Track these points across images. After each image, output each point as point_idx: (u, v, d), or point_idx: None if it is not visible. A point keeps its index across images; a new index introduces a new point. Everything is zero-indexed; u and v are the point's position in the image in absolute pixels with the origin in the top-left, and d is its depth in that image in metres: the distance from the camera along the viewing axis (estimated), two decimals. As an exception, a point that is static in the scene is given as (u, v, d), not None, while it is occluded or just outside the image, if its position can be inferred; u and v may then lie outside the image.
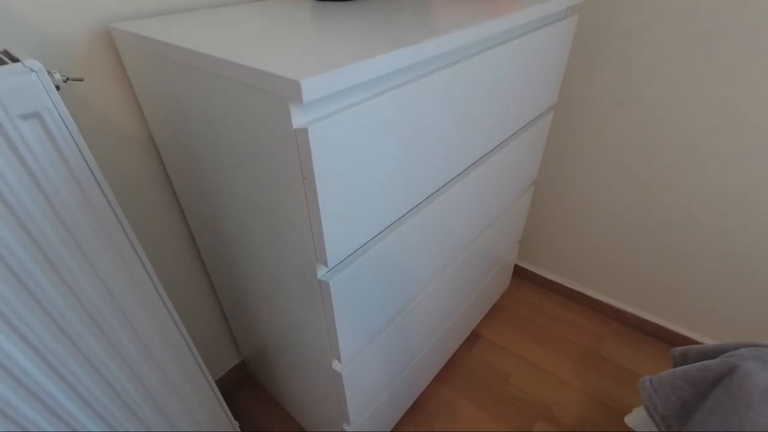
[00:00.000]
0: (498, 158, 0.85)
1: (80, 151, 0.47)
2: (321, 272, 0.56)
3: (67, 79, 0.46)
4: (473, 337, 1.31)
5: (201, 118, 0.56)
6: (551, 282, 1.43)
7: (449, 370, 1.21)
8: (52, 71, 0.45)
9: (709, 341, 1.20)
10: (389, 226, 0.62)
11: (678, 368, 0.79)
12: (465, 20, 0.59)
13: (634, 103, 1.03)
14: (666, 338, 1.27)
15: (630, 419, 0.93)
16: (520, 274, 1.52)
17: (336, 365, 0.68)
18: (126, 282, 0.57)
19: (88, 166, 0.48)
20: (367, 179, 0.52)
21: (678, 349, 0.87)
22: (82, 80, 0.48)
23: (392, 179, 0.57)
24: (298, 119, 0.43)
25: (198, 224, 0.83)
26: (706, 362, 0.75)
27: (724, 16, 0.84)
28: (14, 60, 0.43)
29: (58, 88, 0.46)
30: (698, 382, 0.75)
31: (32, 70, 0.41)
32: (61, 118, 0.44)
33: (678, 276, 1.17)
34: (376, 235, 0.61)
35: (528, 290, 1.47)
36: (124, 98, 0.69)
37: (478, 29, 0.58)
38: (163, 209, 0.83)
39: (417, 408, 1.12)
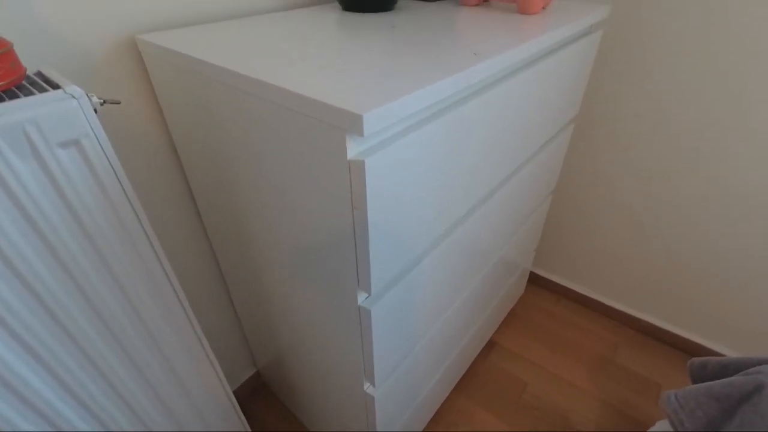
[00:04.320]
0: (523, 173, 0.83)
1: (118, 178, 0.44)
2: (361, 298, 0.55)
3: (104, 102, 0.43)
4: (489, 345, 1.30)
5: (238, 138, 0.54)
6: (565, 288, 1.43)
7: (466, 380, 1.20)
8: (89, 94, 0.43)
9: (724, 350, 1.20)
10: (426, 249, 0.61)
11: (701, 384, 0.78)
12: (501, 40, 0.57)
13: (652, 115, 1.01)
14: (680, 346, 1.27)
15: (655, 434, 0.93)
16: (533, 280, 1.51)
17: (368, 388, 0.67)
18: (157, 306, 0.55)
19: (125, 194, 0.46)
20: (410, 205, 0.50)
21: (696, 360, 0.87)
22: (119, 103, 0.46)
23: (432, 204, 0.55)
24: (352, 150, 0.41)
25: (221, 241, 0.81)
26: (730, 379, 0.75)
27: (744, 32, 0.82)
28: (52, 84, 0.41)
29: (95, 111, 0.44)
30: (723, 398, 0.75)
31: (74, 96, 0.39)
32: (100, 144, 0.42)
33: (693, 285, 1.17)
34: (415, 259, 0.59)
35: (542, 296, 1.46)
36: (150, 113, 0.66)
37: (519, 51, 0.56)
38: (185, 224, 0.81)
39: (436, 419, 1.11)
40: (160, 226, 0.77)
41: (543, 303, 1.43)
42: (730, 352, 1.19)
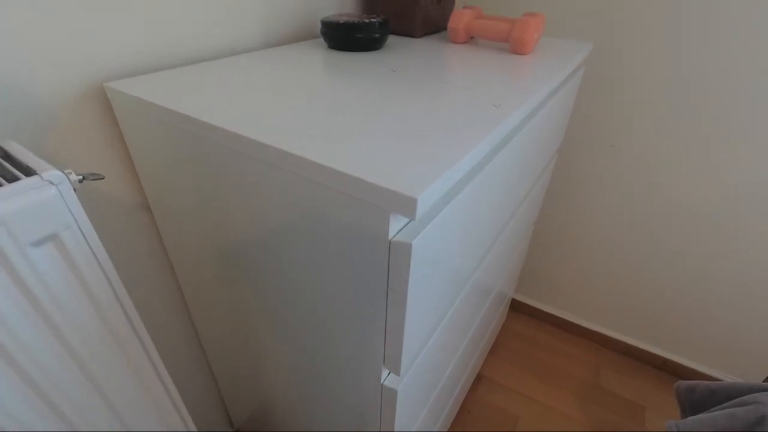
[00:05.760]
0: (520, 210, 0.82)
1: (104, 272, 0.36)
2: (384, 376, 0.49)
3: (84, 178, 0.36)
4: (476, 378, 1.27)
5: (238, 205, 0.47)
6: (545, 313, 1.45)
7: (458, 417, 1.17)
8: (66, 172, 0.35)
9: (705, 370, 1.25)
10: (446, 310, 0.57)
11: (704, 415, 0.80)
12: (514, 87, 0.56)
13: (627, 146, 1.06)
14: (661, 366, 1.32)
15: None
16: (514, 306, 1.52)
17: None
18: (149, 414, 0.46)
19: (113, 289, 0.38)
20: (444, 274, 0.47)
21: (683, 384, 0.89)
22: (102, 178, 0.38)
23: (459, 266, 0.51)
24: (393, 229, 0.36)
25: (203, 312, 0.72)
26: (732, 410, 0.77)
27: (720, 66, 0.89)
28: (20, 166, 0.32)
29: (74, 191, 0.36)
30: (727, 430, 0.77)
31: (52, 183, 0.31)
32: (83, 235, 0.34)
33: (671, 304, 1.22)
34: (437, 323, 0.55)
35: (524, 323, 1.47)
36: (122, 172, 0.58)
37: (536, 98, 0.55)
38: (160, 291, 0.71)
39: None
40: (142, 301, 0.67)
41: (525, 330, 1.44)
42: (710, 371, 1.25)
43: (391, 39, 0.84)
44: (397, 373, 0.47)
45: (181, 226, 0.60)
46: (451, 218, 0.42)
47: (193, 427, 0.52)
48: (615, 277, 1.26)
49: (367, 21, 0.69)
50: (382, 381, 0.49)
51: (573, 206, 1.22)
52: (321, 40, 0.80)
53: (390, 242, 0.36)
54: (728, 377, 1.23)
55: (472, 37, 0.84)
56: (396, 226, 0.37)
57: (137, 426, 0.46)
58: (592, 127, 1.09)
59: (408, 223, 0.38)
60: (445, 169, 0.36)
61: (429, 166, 0.36)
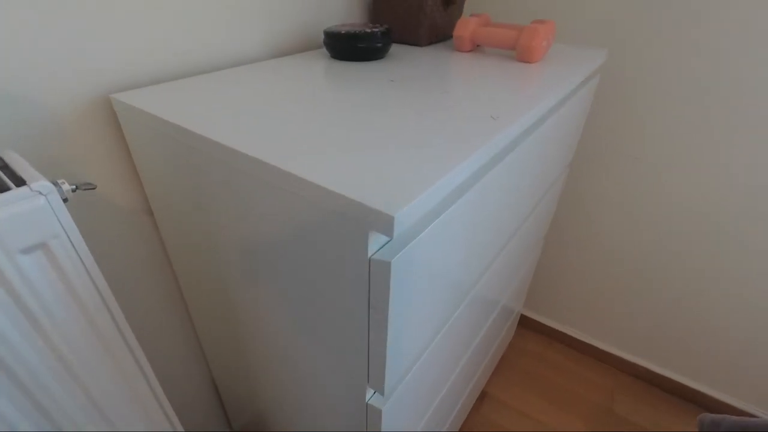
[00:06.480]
0: (525, 225, 0.81)
1: (91, 278, 0.37)
2: (369, 395, 0.49)
3: (77, 188, 0.37)
4: (480, 396, 1.25)
5: (233, 217, 0.48)
6: (556, 331, 1.41)
7: (461, 436, 1.14)
8: (59, 182, 0.36)
9: (728, 399, 1.18)
10: (438, 329, 0.56)
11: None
12: (515, 98, 0.55)
13: (647, 158, 1.03)
14: (681, 394, 1.25)
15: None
16: (523, 323, 1.48)
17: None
18: (135, 415, 0.47)
19: (101, 296, 0.39)
20: (431, 292, 0.46)
21: (707, 418, 0.84)
22: (94, 188, 0.39)
23: (451, 284, 0.51)
24: (373, 246, 0.36)
25: (202, 315, 0.73)
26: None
27: (747, 75, 0.85)
28: (13, 175, 0.34)
29: (65, 200, 0.37)
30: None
31: (41, 193, 0.32)
32: (72, 244, 0.35)
33: (693, 329, 1.16)
34: (428, 343, 0.54)
35: (532, 340, 1.43)
36: (127, 179, 0.60)
37: (538, 110, 0.54)
38: (160, 291, 0.72)
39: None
40: (133, 299, 0.68)
41: (534, 347, 1.40)
42: (741, 404, 1.16)
43: (396, 48, 0.84)
44: (382, 392, 0.46)
45: (180, 232, 0.61)
46: (439, 234, 0.41)
47: (179, 427, 0.53)
48: (634, 296, 1.22)
49: (368, 31, 0.69)
50: (366, 400, 0.48)
51: (588, 220, 1.19)
52: (324, 50, 0.81)
53: (370, 260, 0.36)
54: (763, 413, 1.15)
55: (478, 46, 0.83)
56: (379, 241, 0.36)
57: (124, 426, 0.46)
58: (609, 138, 1.06)
59: (389, 241, 0.37)
60: (429, 185, 0.35)
61: (412, 182, 0.35)
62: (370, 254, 0.36)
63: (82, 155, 0.54)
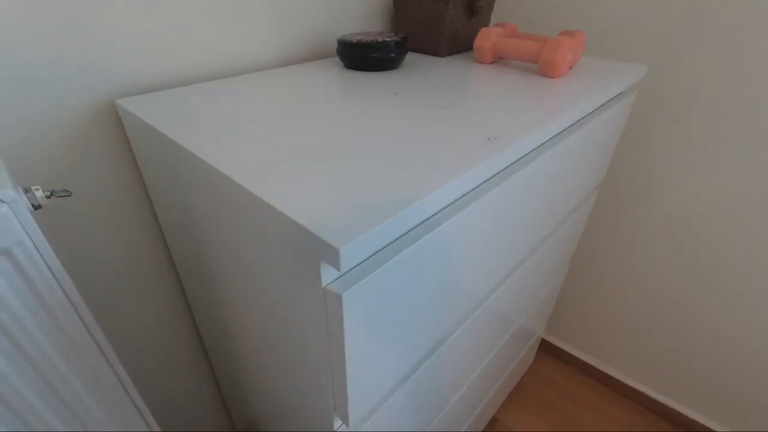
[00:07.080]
0: (542, 249, 0.75)
1: (59, 283, 0.38)
2: (338, 425, 0.46)
3: (51, 194, 0.38)
4: (492, 422, 1.18)
5: (220, 234, 0.48)
6: (579, 360, 1.31)
7: (465, 462, 1.09)
8: (32, 188, 0.37)
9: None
10: (417, 363, 0.53)
11: None
12: (523, 116, 0.50)
13: (686, 183, 0.93)
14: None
15: None
16: (544, 348, 1.40)
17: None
18: (110, 417, 0.47)
19: (68, 298, 0.39)
20: (400, 324, 0.43)
21: None
22: (69, 195, 0.40)
23: (426, 316, 0.47)
24: (328, 275, 0.34)
25: (204, 318, 0.74)
26: None
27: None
28: (-16, 181, 0.35)
29: (39, 207, 0.38)
30: None
31: (3, 201, 0.33)
32: (37, 249, 0.36)
33: (726, 370, 1.04)
34: (402, 377, 0.51)
35: (553, 368, 1.35)
36: (132, 182, 0.61)
37: (544, 133, 0.49)
38: (164, 295, 0.74)
39: None
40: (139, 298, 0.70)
41: (554, 376, 1.32)
42: None
43: (415, 57, 0.81)
44: (347, 423, 0.43)
45: (181, 237, 0.62)
46: (411, 265, 0.38)
47: (156, 427, 0.53)
48: (667, 330, 1.11)
49: (380, 40, 0.67)
50: (335, 429, 0.46)
51: (616, 244, 1.10)
52: (337, 59, 0.80)
53: (324, 289, 0.34)
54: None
55: (501, 58, 0.79)
56: (335, 273, 0.34)
57: (96, 426, 0.47)
58: (644, 158, 0.97)
59: (350, 269, 0.35)
60: (388, 216, 0.32)
61: (373, 212, 0.33)
62: (325, 284, 0.34)
63: (88, 159, 0.56)
